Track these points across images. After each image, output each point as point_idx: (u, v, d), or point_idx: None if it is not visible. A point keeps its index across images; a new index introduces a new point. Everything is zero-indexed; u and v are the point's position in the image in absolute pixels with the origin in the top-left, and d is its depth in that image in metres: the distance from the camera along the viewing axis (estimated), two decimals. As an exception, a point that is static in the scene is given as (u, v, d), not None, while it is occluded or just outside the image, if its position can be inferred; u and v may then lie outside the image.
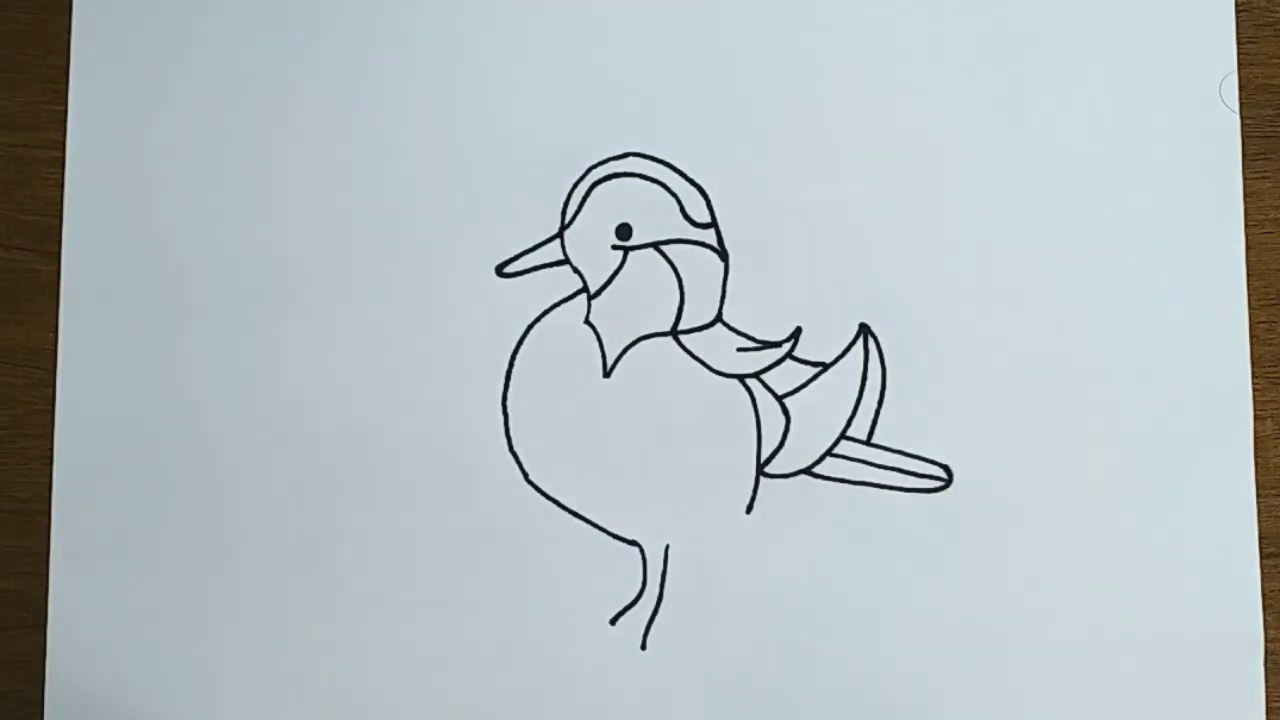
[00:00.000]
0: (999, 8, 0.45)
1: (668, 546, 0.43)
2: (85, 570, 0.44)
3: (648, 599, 0.43)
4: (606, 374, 0.44)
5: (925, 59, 0.45)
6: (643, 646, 0.43)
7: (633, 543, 0.43)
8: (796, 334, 0.44)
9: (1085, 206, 0.44)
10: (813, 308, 0.44)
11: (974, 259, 0.44)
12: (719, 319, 0.44)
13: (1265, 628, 0.43)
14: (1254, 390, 0.44)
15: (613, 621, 0.43)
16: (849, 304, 0.44)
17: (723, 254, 0.44)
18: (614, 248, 0.44)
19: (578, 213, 0.44)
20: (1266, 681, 0.42)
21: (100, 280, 0.45)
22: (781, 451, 0.43)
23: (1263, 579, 0.43)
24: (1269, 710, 0.42)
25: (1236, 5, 0.45)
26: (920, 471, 0.43)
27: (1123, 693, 0.42)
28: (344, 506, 0.44)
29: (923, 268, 0.44)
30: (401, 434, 0.44)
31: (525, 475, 0.44)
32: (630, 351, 0.44)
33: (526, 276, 0.44)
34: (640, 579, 0.43)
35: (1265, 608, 0.43)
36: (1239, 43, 0.45)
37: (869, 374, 0.44)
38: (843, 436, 0.43)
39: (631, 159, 0.44)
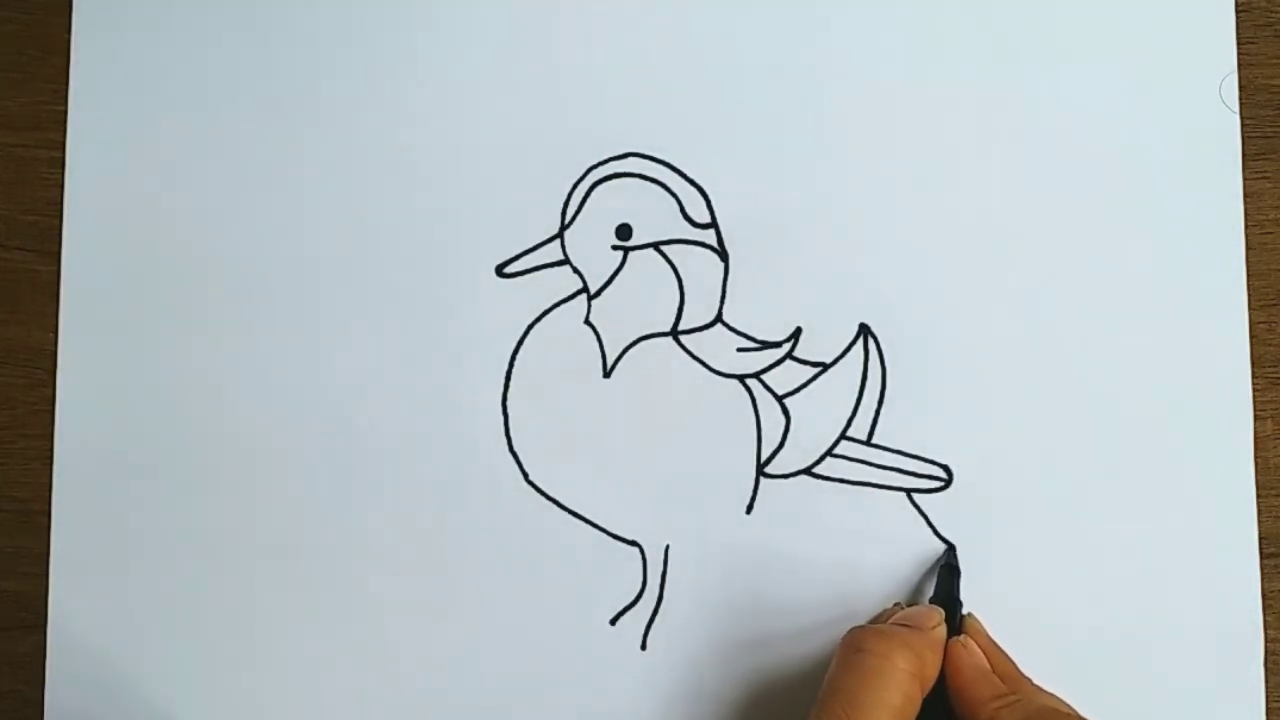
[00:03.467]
0: (999, 8, 0.45)
1: (668, 546, 0.43)
2: (85, 570, 0.44)
3: (648, 599, 0.43)
4: (606, 374, 0.44)
5: (925, 59, 0.45)
6: (643, 646, 0.43)
7: (633, 543, 0.43)
8: (796, 334, 0.44)
9: (1085, 207, 0.44)
10: (813, 308, 0.44)
11: (974, 259, 0.44)
12: (719, 319, 0.44)
13: (1265, 628, 0.43)
14: (1254, 390, 0.44)
15: (613, 621, 0.43)
16: (849, 304, 0.44)
17: (723, 254, 0.44)
18: (614, 248, 0.44)
19: (578, 213, 0.44)
20: (1266, 681, 0.42)
21: (100, 280, 0.45)
22: (781, 451, 0.43)
23: (1263, 579, 0.43)
24: (1269, 710, 0.42)
25: (1236, 5, 0.45)
26: (920, 471, 0.43)
27: (1123, 692, 0.42)
28: (344, 507, 0.44)
29: (923, 268, 0.44)
30: (401, 434, 0.44)
31: (525, 475, 0.44)
32: (630, 351, 0.44)
33: (526, 276, 0.44)
34: (640, 579, 0.43)
35: (1265, 608, 0.43)
36: (1239, 43, 0.45)
37: (869, 374, 0.44)
38: (843, 437, 0.43)
39: (631, 159, 0.44)
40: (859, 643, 0.38)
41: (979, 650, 0.40)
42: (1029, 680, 0.39)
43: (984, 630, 0.41)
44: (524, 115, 0.45)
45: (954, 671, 0.39)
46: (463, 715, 0.43)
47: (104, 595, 0.44)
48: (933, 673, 0.38)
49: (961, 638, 0.40)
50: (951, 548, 0.43)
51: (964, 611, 0.41)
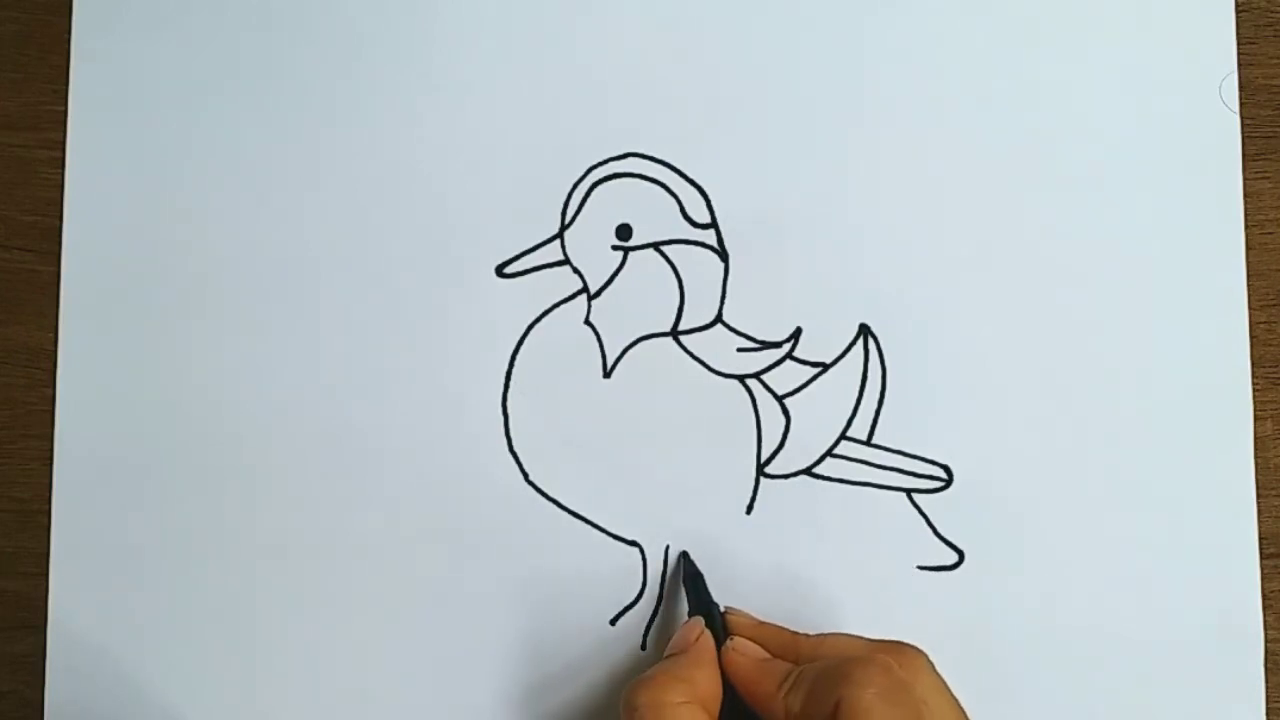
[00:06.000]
0: (999, 8, 0.45)
1: (668, 546, 0.43)
2: (85, 570, 0.44)
3: (648, 599, 0.43)
4: (606, 374, 0.44)
5: (925, 59, 0.45)
6: (643, 647, 0.43)
7: (633, 543, 0.43)
8: (796, 334, 0.44)
9: (1085, 207, 0.44)
10: (813, 308, 0.44)
11: (974, 259, 0.44)
12: (719, 319, 0.44)
13: (1265, 628, 0.43)
14: (1254, 390, 0.44)
15: (613, 622, 0.43)
16: (849, 304, 0.44)
17: (723, 254, 0.44)
18: (614, 248, 0.44)
19: (578, 213, 0.44)
20: (1266, 681, 0.42)
21: (100, 280, 0.45)
22: (781, 452, 0.43)
23: (1263, 579, 0.43)
24: (1269, 710, 0.42)
25: (1236, 5, 0.45)
26: (920, 471, 0.43)
27: (1123, 693, 0.42)
28: (344, 507, 0.44)
29: (923, 268, 0.44)
30: (402, 435, 0.44)
31: (525, 476, 0.44)
32: (630, 352, 0.44)
33: (526, 276, 0.44)
34: (640, 579, 0.43)
35: (1265, 608, 0.43)
36: (1239, 43, 0.45)
37: (869, 374, 0.44)
38: (843, 437, 0.43)
39: (631, 159, 0.44)
40: (627, 703, 0.36)
41: (751, 644, 0.38)
42: (805, 637, 0.38)
43: (748, 619, 0.40)
44: (524, 115, 0.45)
45: (734, 678, 0.37)
46: (463, 715, 0.43)
47: (104, 595, 0.44)
48: (711, 687, 0.37)
49: (730, 641, 0.38)
50: (684, 554, 0.42)
51: (722, 609, 0.40)
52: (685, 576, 0.42)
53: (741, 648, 0.38)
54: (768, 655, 0.38)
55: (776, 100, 0.45)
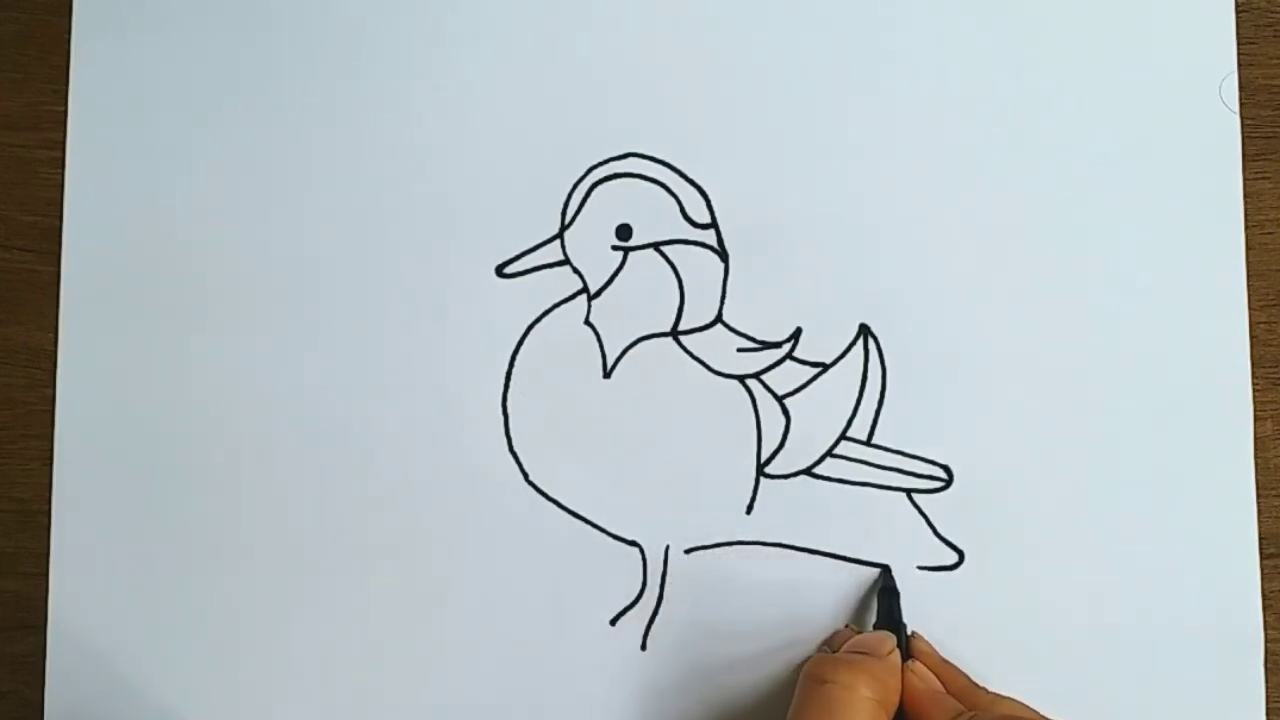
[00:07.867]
0: (999, 8, 0.45)
1: (668, 546, 0.43)
2: (85, 570, 0.44)
3: (648, 599, 0.43)
4: (606, 374, 0.44)
5: (926, 59, 0.45)
6: (643, 646, 0.43)
7: (633, 543, 0.43)
8: (796, 334, 0.44)
9: (1085, 207, 0.44)
10: (813, 308, 0.44)
11: (974, 259, 0.44)
12: (719, 319, 0.44)
13: (1265, 628, 0.43)
14: (1254, 390, 0.44)
15: (613, 621, 0.43)
16: (849, 304, 0.44)
17: (723, 254, 0.44)
18: (614, 248, 0.44)
19: (578, 213, 0.44)
20: (1266, 681, 0.42)
21: (100, 280, 0.45)
22: (781, 452, 0.43)
23: (1263, 579, 0.43)
24: (1269, 710, 0.42)
25: (1236, 5, 0.45)
26: (920, 472, 0.43)
27: (1123, 692, 0.42)
28: (344, 507, 0.44)
29: (923, 268, 0.44)
30: (402, 435, 0.44)
31: (525, 476, 0.44)
32: (630, 352, 0.44)
33: (526, 276, 0.44)
34: (640, 579, 0.43)
35: (1265, 608, 0.43)
36: (1239, 43, 0.45)
37: (869, 374, 0.44)
38: (843, 437, 0.43)
39: (631, 159, 0.44)
40: (822, 674, 0.37)
41: (930, 673, 0.39)
42: (983, 690, 0.39)
43: (932, 650, 0.41)
44: (524, 115, 0.45)
45: (909, 700, 0.38)
46: (463, 715, 0.43)
47: (104, 595, 0.44)
48: (895, 699, 0.38)
49: (911, 663, 0.39)
50: (886, 569, 0.43)
51: (909, 632, 0.41)
52: (881, 590, 0.42)
53: (922, 674, 0.39)
54: (943, 690, 0.39)
55: (777, 100, 0.45)
